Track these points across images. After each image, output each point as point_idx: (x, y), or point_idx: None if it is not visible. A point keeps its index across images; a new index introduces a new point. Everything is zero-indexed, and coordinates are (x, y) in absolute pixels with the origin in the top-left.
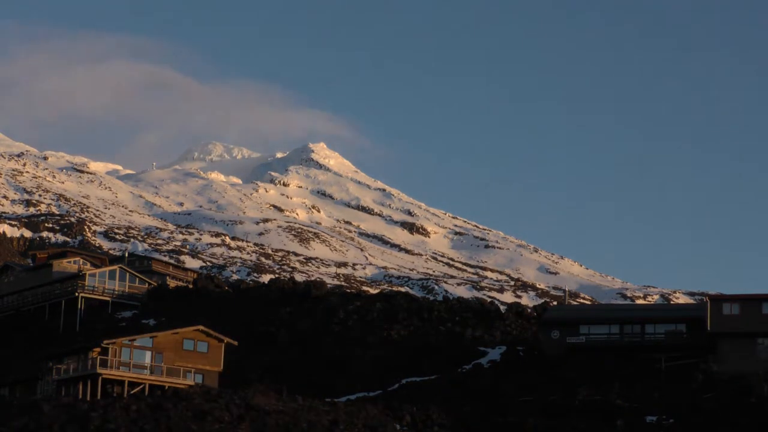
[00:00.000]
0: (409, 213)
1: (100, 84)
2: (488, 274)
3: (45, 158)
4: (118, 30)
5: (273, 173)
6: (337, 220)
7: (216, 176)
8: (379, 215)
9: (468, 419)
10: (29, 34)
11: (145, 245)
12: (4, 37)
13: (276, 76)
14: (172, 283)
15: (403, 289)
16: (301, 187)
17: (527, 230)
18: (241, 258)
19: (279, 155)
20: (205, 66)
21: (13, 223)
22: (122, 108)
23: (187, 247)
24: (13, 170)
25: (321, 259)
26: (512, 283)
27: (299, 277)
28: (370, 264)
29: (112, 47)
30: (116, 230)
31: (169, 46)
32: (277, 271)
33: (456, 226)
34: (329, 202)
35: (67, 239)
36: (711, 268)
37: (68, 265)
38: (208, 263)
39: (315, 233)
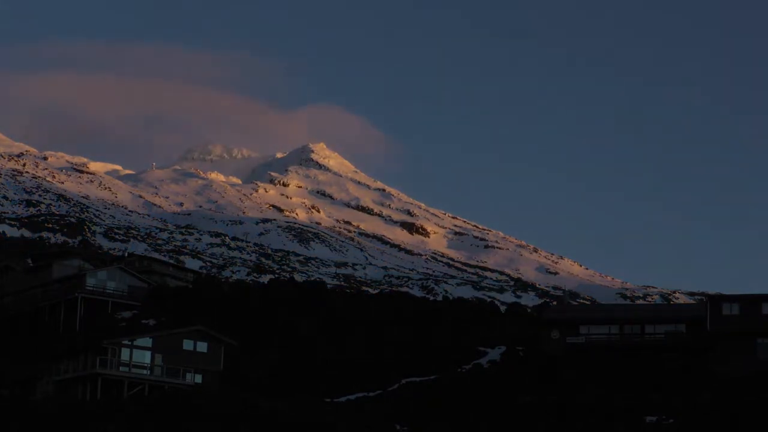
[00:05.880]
0: (409, 213)
1: (100, 83)
2: (488, 274)
3: (45, 158)
4: (119, 32)
5: (273, 173)
6: (337, 220)
7: (216, 176)
8: (379, 215)
9: (467, 419)
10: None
11: (145, 245)
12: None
13: (275, 75)
14: (171, 283)
15: (403, 290)
16: (300, 187)
17: (527, 230)
18: (241, 258)
19: (279, 155)
20: (204, 67)
21: (13, 223)
22: (123, 108)
23: (187, 247)
24: (13, 170)
25: (321, 259)
26: (512, 283)
27: (299, 278)
28: (370, 264)
29: (112, 48)
30: (116, 230)
31: (169, 48)
32: (277, 271)
33: (456, 226)
34: (329, 202)
35: (67, 239)
36: (711, 268)
37: (68, 265)
38: (208, 263)
39: (315, 233)
